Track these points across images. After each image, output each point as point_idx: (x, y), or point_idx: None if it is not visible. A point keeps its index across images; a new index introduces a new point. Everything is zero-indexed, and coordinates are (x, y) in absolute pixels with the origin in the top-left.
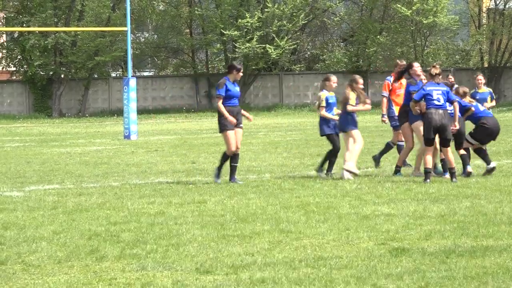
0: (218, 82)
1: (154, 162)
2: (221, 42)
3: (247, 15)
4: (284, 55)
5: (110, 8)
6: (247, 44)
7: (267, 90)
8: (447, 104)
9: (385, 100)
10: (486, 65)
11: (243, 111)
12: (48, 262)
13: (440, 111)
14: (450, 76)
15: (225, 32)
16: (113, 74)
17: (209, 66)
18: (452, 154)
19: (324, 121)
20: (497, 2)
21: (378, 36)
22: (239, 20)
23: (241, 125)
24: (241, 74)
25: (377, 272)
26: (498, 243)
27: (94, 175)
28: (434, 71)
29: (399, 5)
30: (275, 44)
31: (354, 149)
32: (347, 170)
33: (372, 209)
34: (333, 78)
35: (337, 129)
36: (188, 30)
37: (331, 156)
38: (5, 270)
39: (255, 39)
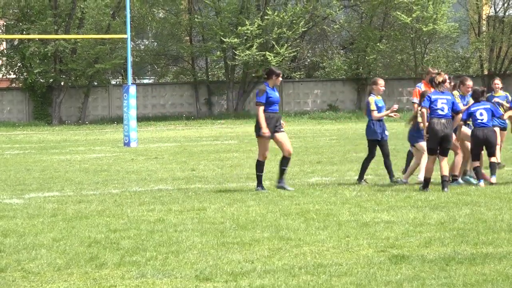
0: (258, 88)
1: (154, 170)
2: (221, 49)
3: (247, 23)
4: (284, 63)
5: (110, 16)
6: (247, 52)
7: None
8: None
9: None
10: (486, 72)
11: None
12: (47, 270)
13: (443, 120)
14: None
15: (225, 40)
16: (113, 82)
17: (209, 73)
18: (446, 163)
19: (373, 124)
20: (497, 10)
21: (378, 44)
22: (239, 28)
23: (282, 129)
24: (280, 78)
25: (377, 280)
26: (498, 250)
27: (94, 183)
28: (438, 79)
29: (399, 13)
30: (275, 51)
31: (422, 162)
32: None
33: (371, 216)
34: (381, 81)
35: (384, 134)
36: (188, 38)
37: (366, 163)
38: (5, 277)
39: (255, 47)
